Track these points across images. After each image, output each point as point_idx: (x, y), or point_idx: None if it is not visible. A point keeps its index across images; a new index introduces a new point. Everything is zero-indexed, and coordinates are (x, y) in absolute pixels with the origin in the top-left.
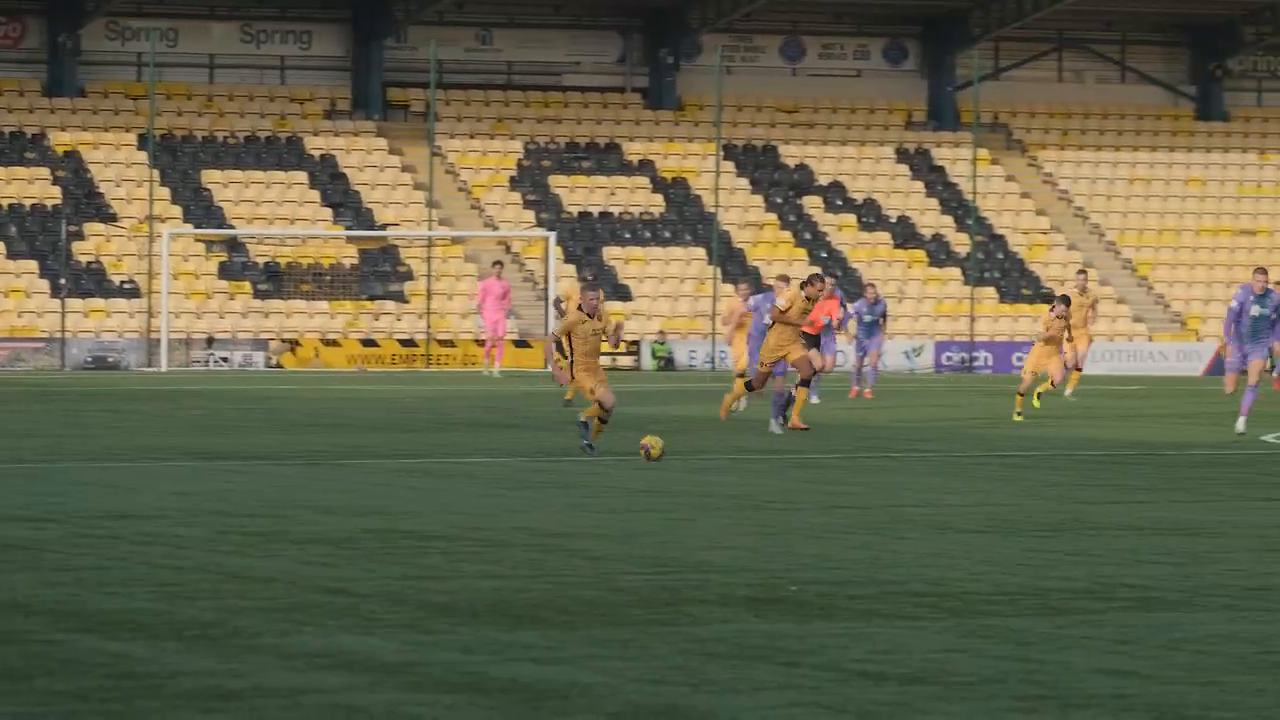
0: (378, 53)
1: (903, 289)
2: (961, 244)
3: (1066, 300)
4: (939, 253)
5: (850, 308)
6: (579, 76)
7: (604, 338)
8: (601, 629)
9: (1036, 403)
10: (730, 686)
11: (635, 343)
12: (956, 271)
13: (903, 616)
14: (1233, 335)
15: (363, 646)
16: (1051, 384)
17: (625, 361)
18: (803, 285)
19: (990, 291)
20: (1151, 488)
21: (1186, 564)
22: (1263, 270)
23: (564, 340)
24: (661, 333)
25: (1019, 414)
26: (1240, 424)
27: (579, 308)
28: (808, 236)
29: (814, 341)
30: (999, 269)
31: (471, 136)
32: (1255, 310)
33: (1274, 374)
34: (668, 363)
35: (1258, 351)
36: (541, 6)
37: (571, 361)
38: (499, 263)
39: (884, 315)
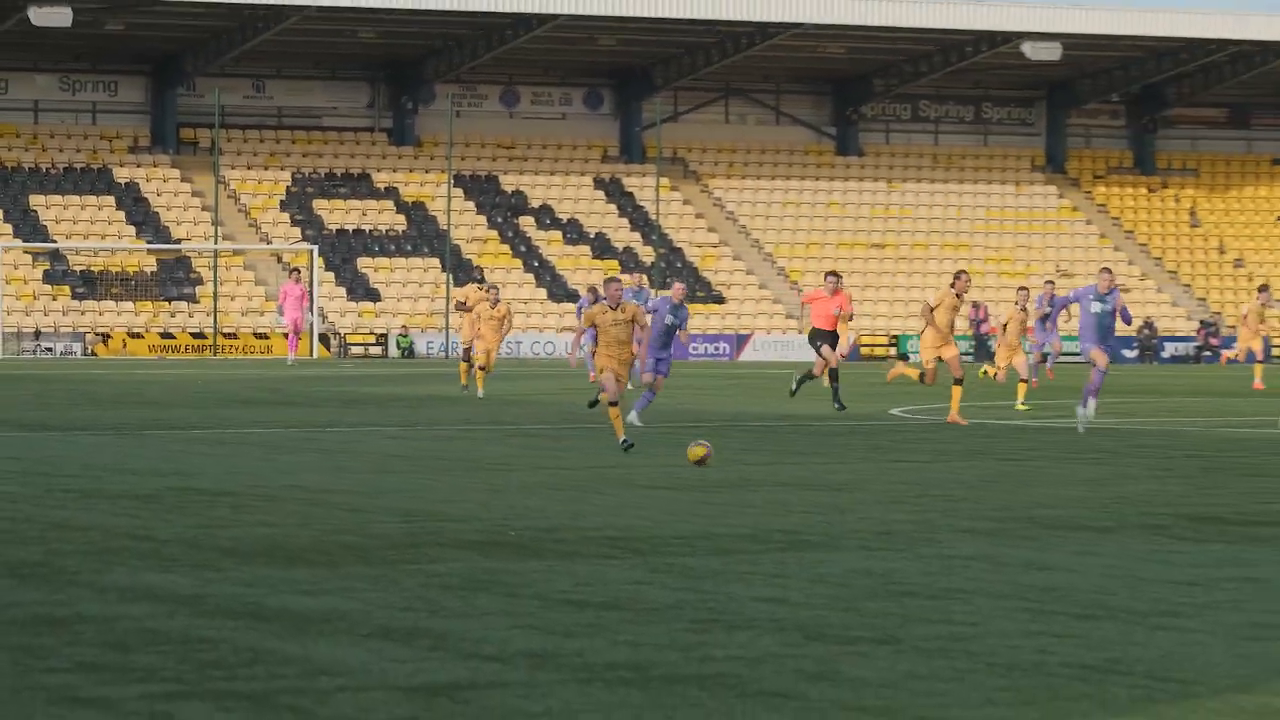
0: (172, 99)
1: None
2: (648, 255)
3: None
4: (629, 261)
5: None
6: (336, 118)
7: (638, 324)
8: (357, 567)
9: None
10: (461, 612)
11: (383, 335)
12: (644, 278)
13: (599, 556)
14: (1042, 326)
15: (163, 582)
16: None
17: (375, 350)
18: (951, 283)
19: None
20: (801, 451)
21: (829, 513)
22: (1108, 270)
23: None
24: (404, 327)
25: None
26: (1089, 410)
27: (602, 299)
28: (523, 249)
29: (833, 339)
30: (678, 275)
31: (249, 167)
32: (1096, 308)
33: (1047, 365)
34: (409, 351)
35: (1103, 346)
36: (304, 61)
37: (594, 352)
38: (296, 270)
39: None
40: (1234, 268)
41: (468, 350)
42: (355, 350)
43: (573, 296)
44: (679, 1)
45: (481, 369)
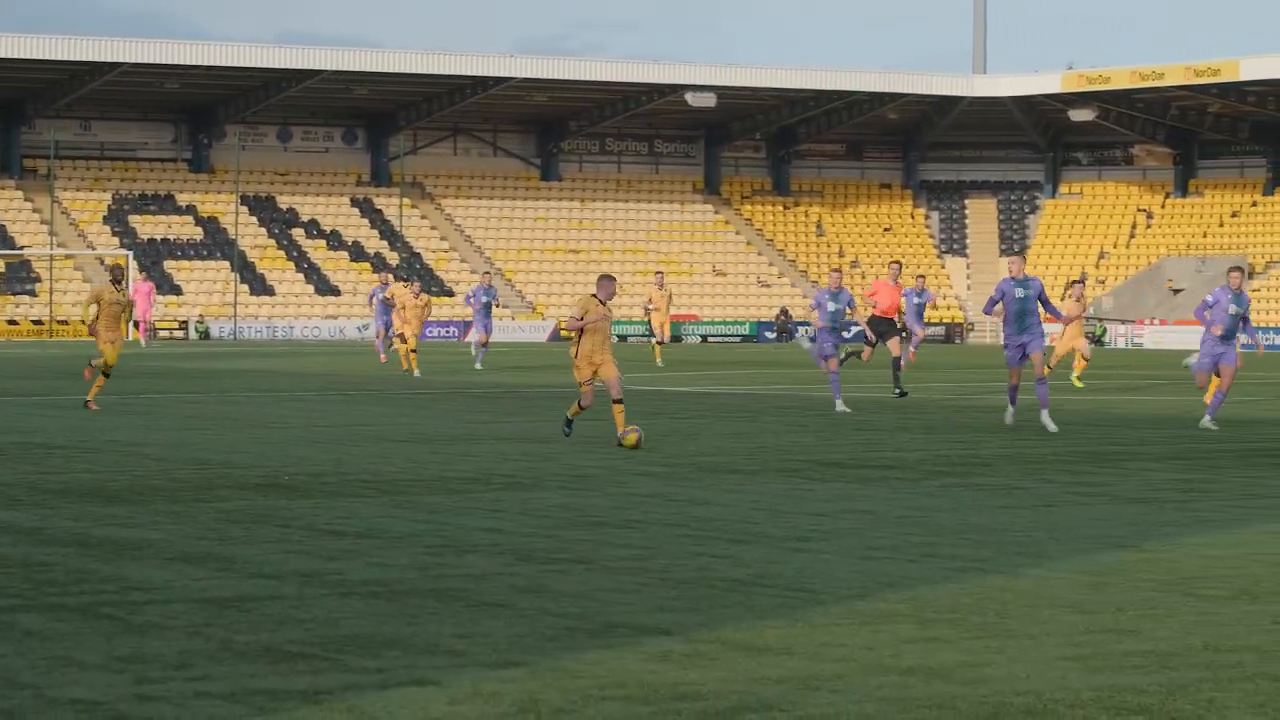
0: (16, 136)
1: (356, 287)
2: (394, 258)
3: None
4: (379, 264)
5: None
6: (147, 151)
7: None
8: (163, 505)
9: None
10: (245, 540)
11: (185, 322)
12: (390, 277)
13: (356, 495)
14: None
15: (8, 518)
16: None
17: (178, 334)
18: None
19: (401, 284)
20: (514, 412)
21: (536, 460)
22: (1018, 255)
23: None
24: (201, 316)
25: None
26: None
27: (593, 295)
28: (295, 254)
29: (893, 327)
30: (418, 274)
31: (78, 190)
32: (1019, 293)
33: (911, 348)
34: (205, 335)
35: (1034, 344)
36: (122, 106)
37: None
38: (145, 270)
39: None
40: (850, 266)
41: (400, 336)
42: (162, 334)
43: (335, 291)
44: (417, 60)
45: (413, 351)
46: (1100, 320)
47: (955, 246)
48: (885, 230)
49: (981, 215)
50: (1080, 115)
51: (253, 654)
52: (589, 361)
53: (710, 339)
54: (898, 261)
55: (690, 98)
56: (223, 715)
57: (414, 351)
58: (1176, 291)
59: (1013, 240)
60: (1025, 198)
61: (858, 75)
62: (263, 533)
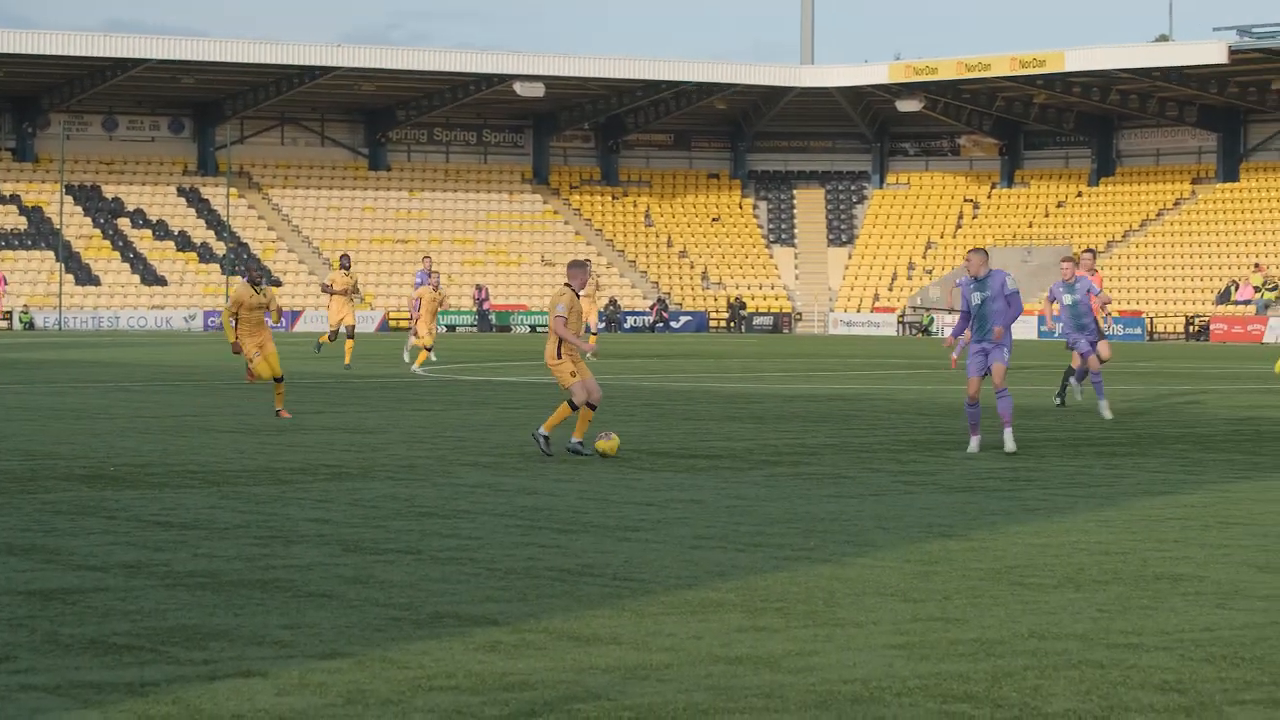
0: None
1: (183, 277)
2: (220, 249)
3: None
4: (205, 254)
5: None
6: None
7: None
8: None
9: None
10: (70, 532)
11: (9, 312)
12: (216, 266)
13: (182, 486)
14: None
15: None
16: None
17: (2, 324)
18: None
19: (237, 279)
20: (342, 403)
21: (364, 451)
22: (979, 250)
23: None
24: (26, 306)
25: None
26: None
27: (567, 285)
28: (121, 244)
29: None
30: (244, 264)
31: None
32: (976, 297)
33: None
34: (30, 325)
35: (996, 353)
36: None
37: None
38: None
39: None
40: (678, 256)
41: (335, 332)
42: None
43: (161, 281)
44: (244, 49)
45: (350, 338)
46: (927, 310)
47: (783, 236)
48: (714, 220)
49: (809, 205)
50: (907, 106)
51: (78, 646)
52: (572, 359)
53: (539, 329)
54: (1091, 250)
55: (518, 87)
56: (48, 708)
57: (350, 338)
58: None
59: (840, 231)
60: (853, 188)
61: (685, 66)
62: (89, 524)
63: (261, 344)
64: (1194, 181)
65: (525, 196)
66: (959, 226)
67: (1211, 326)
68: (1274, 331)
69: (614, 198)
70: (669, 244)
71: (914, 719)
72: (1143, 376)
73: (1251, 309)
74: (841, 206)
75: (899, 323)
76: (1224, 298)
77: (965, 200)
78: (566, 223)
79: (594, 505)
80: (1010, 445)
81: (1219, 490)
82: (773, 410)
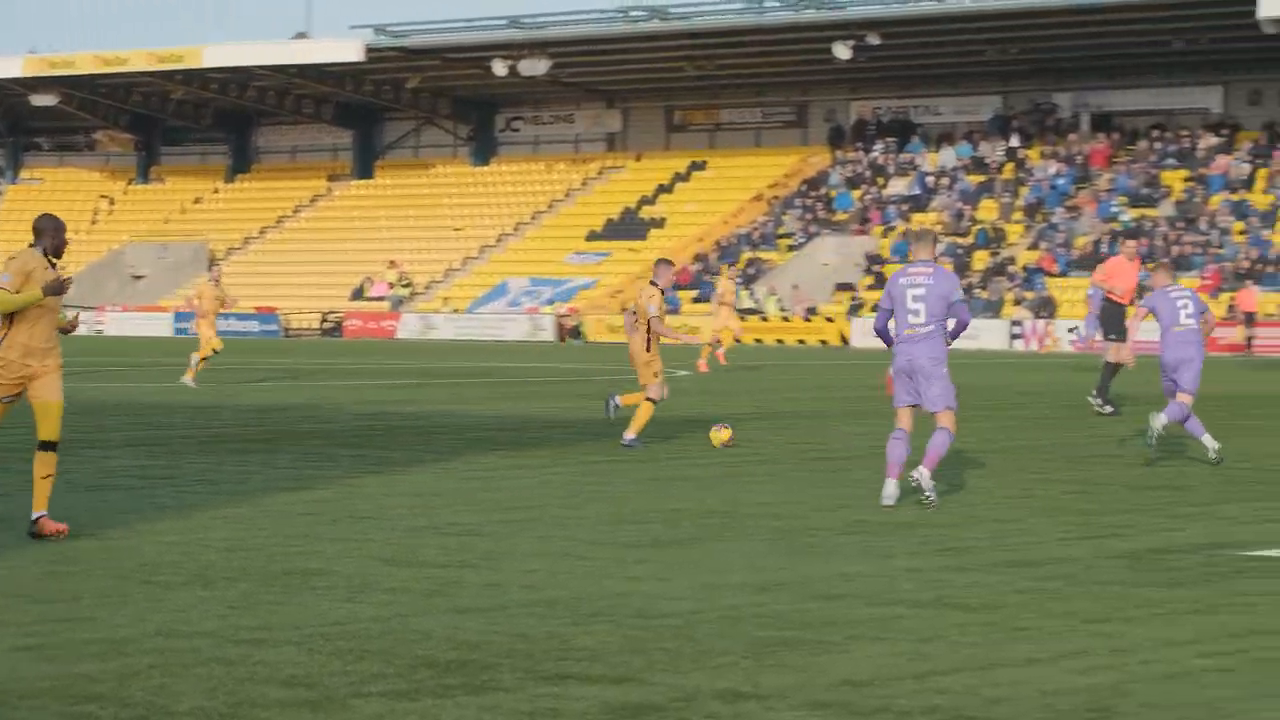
0: None
1: None
2: None
3: None
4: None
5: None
6: None
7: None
8: None
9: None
10: None
11: None
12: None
13: None
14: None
15: None
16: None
17: None
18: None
19: None
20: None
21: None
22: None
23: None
24: None
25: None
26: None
27: (652, 283)
28: None
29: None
30: None
31: None
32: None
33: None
34: None
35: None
36: None
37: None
38: None
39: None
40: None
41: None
42: None
43: None
44: None
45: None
46: (66, 308)
47: None
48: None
49: None
50: (42, 100)
51: None
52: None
53: None
54: (1132, 235)
55: None
56: None
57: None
58: (138, 278)
59: None
60: None
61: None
62: None
63: None
64: (330, 178)
65: None
66: (94, 222)
67: (346, 323)
68: (407, 327)
69: None
70: None
71: None
72: (278, 373)
73: (386, 305)
74: None
75: None
76: (358, 294)
77: (101, 196)
78: None
79: None
80: (927, 488)
81: (349, 484)
82: None
